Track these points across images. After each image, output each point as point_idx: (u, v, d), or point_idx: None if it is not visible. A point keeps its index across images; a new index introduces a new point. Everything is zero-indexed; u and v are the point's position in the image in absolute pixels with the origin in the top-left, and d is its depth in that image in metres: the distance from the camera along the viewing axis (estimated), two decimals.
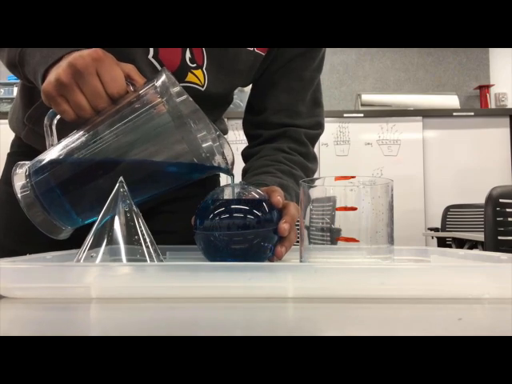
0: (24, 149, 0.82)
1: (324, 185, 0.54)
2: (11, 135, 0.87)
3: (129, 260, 0.47)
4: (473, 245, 2.57)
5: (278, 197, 0.58)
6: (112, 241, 0.47)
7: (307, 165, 0.87)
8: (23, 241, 0.77)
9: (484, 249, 1.91)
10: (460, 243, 2.76)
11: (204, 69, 0.76)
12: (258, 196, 0.57)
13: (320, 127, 0.91)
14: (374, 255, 0.52)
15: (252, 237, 0.54)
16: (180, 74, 0.74)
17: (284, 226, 0.56)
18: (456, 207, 3.40)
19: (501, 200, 1.69)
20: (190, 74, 0.75)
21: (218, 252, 0.55)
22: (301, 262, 0.54)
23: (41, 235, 0.62)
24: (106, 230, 0.48)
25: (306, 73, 0.85)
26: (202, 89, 0.77)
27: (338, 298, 0.37)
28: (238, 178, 0.83)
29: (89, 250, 0.47)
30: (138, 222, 0.49)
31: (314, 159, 0.90)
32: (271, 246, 0.56)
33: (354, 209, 0.53)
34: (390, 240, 0.54)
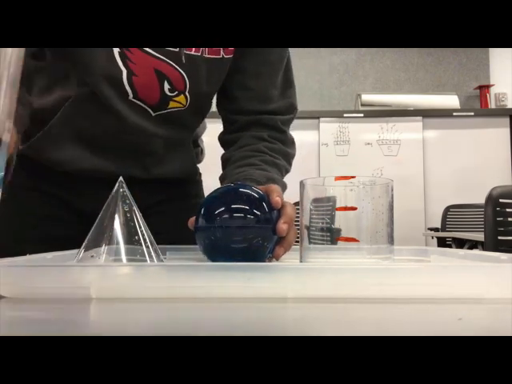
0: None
1: (324, 185, 0.54)
2: None
3: (129, 260, 0.47)
4: (473, 245, 2.57)
5: (277, 197, 0.58)
6: (112, 241, 0.47)
7: (287, 151, 0.87)
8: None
9: (484, 249, 1.91)
10: (460, 243, 2.76)
11: (187, 92, 0.78)
12: (257, 195, 0.57)
13: (293, 110, 0.90)
14: (374, 255, 0.52)
15: (251, 236, 0.54)
16: (161, 105, 0.78)
17: (282, 226, 0.56)
18: (456, 207, 3.41)
19: (501, 200, 1.69)
20: (171, 102, 0.79)
21: (218, 251, 0.55)
22: (300, 262, 0.54)
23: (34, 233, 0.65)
24: (106, 230, 0.48)
25: (273, 55, 0.85)
26: (184, 108, 0.80)
27: (338, 298, 0.37)
28: (217, 167, 0.85)
29: (89, 250, 0.47)
30: (138, 222, 0.49)
31: (292, 144, 0.90)
32: (270, 246, 0.56)
33: (354, 209, 0.53)
34: (390, 240, 0.54)
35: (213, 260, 0.55)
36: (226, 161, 0.85)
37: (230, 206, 0.56)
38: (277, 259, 0.58)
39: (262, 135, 0.85)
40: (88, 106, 0.76)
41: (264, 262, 0.56)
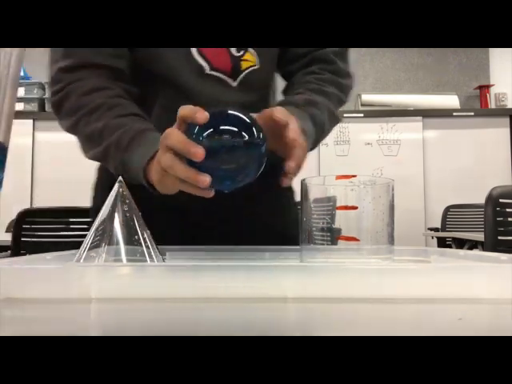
0: None
1: (324, 184, 0.54)
2: None
3: (129, 260, 0.47)
4: (473, 245, 2.57)
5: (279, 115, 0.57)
6: (112, 241, 0.47)
7: (339, 81, 0.84)
8: None
9: (484, 249, 1.91)
10: (460, 243, 2.75)
11: (250, 49, 0.78)
12: (241, 116, 0.54)
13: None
14: (374, 255, 0.52)
15: (237, 157, 0.52)
16: (236, 69, 0.77)
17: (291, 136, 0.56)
18: (456, 207, 3.40)
19: (501, 200, 1.69)
20: (242, 62, 0.78)
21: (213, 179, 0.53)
22: (301, 262, 0.54)
23: None
24: (106, 230, 0.48)
25: None
26: (257, 66, 0.79)
27: (338, 298, 0.37)
28: None
29: (89, 249, 0.47)
30: (138, 222, 0.49)
31: (347, 75, 0.86)
32: (256, 166, 0.54)
33: (354, 208, 0.53)
34: (391, 240, 0.54)
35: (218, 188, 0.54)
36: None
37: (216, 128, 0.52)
38: (291, 174, 0.58)
39: (311, 69, 0.83)
40: (173, 100, 0.71)
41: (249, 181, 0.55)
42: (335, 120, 0.83)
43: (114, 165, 0.68)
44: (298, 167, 0.59)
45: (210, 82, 0.76)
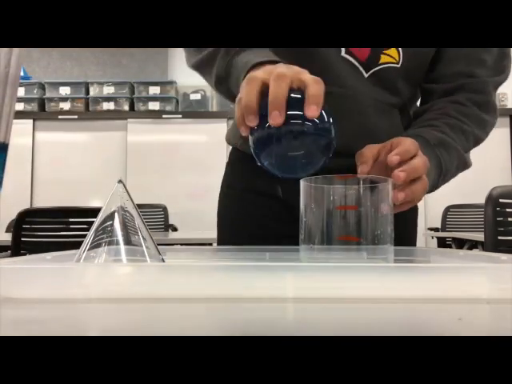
0: (239, 155, 0.87)
1: (324, 184, 0.54)
2: None
3: (129, 260, 0.47)
4: (473, 245, 2.57)
5: (396, 155, 0.56)
6: (112, 241, 0.47)
7: (483, 117, 0.76)
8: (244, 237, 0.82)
9: (484, 249, 1.91)
10: (460, 243, 2.76)
11: None
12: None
13: (506, 73, 0.78)
14: (374, 255, 0.52)
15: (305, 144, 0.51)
16: (372, 58, 0.73)
17: (399, 173, 0.54)
18: (456, 207, 3.40)
19: (501, 200, 1.69)
20: (382, 55, 0.73)
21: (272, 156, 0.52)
22: (301, 262, 0.54)
23: (257, 234, 0.74)
24: (106, 230, 0.48)
25: None
26: (398, 65, 0.74)
27: (338, 299, 0.37)
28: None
29: (89, 250, 0.47)
30: (138, 222, 0.49)
31: (493, 110, 0.78)
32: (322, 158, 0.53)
33: (354, 208, 0.53)
34: (390, 240, 0.54)
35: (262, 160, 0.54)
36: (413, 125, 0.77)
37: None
38: (395, 202, 0.55)
39: (457, 98, 0.75)
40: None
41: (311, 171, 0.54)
42: (464, 167, 0.75)
43: (217, 70, 0.68)
44: (409, 202, 0.57)
45: (344, 64, 0.73)
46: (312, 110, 0.49)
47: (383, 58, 0.74)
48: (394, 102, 0.79)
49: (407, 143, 0.57)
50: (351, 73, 0.74)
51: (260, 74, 0.53)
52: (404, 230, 0.83)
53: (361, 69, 0.74)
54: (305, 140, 0.51)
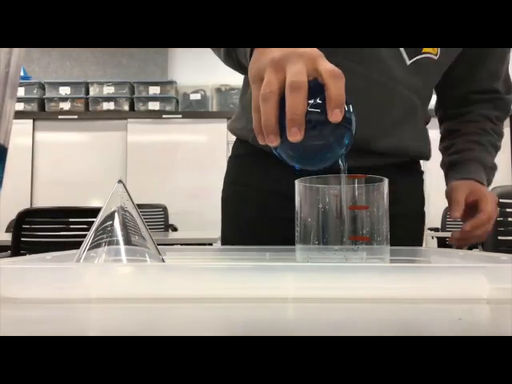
0: (249, 150, 0.86)
1: (322, 184, 0.54)
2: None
3: (129, 260, 0.47)
4: (473, 245, 2.56)
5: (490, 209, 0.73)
6: (112, 241, 0.47)
7: (502, 132, 0.94)
8: (246, 235, 0.83)
9: (484, 249, 1.91)
10: None
11: None
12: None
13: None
14: (374, 255, 0.52)
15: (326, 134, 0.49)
16: (415, 48, 0.77)
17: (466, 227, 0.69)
18: None
19: (501, 200, 1.69)
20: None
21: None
22: (300, 262, 0.54)
23: (263, 233, 0.75)
24: (106, 230, 0.48)
25: None
26: (436, 57, 0.79)
27: (338, 298, 0.37)
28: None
29: (89, 250, 0.47)
30: (138, 222, 0.49)
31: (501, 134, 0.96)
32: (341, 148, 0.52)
33: (354, 208, 0.53)
34: (386, 240, 0.54)
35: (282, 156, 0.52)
36: (453, 131, 0.96)
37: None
38: (451, 242, 0.65)
39: (489, 115, 0.91)
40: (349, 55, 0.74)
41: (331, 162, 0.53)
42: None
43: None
44: (477, 237, 0.72)
45: (388, 49, 0.75)
46: (335, 115, 0.47)
47: (425, 49, 0.78)
48: (424, 97, 0.84)
49: (489, 210, 0.71)
50: (394, 58, 0.76)
51: (272, 72, 0.50)
52: (410, 230, 0.90)
53: (404, 55, 0.76)
54: (323, 130, 0.49)
